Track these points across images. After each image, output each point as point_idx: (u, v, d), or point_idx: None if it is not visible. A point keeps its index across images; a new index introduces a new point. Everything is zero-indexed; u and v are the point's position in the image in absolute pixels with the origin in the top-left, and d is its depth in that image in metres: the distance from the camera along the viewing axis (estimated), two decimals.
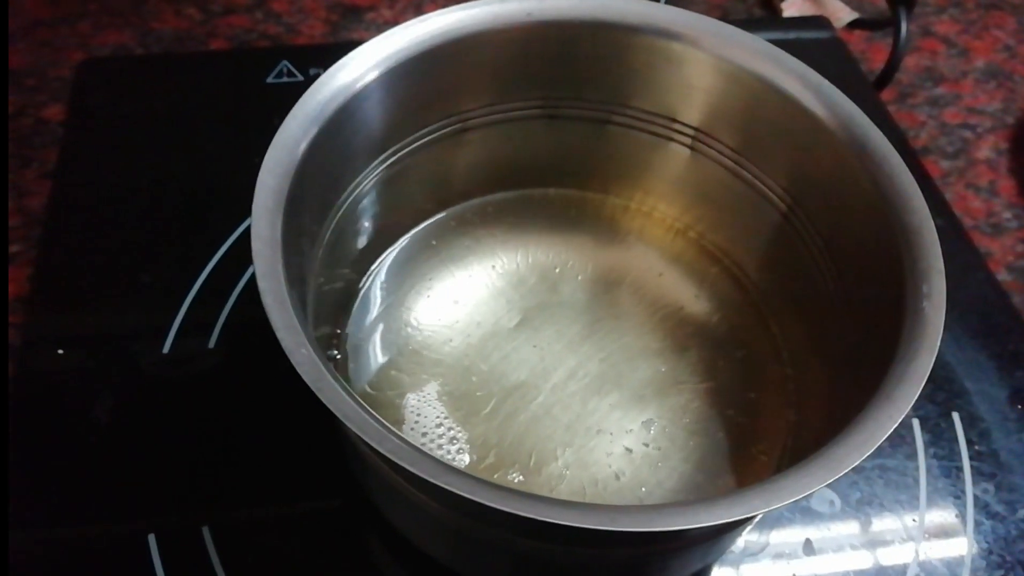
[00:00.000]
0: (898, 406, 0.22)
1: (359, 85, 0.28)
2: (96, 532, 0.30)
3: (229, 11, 0.56)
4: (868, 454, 0.20)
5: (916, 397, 0.22)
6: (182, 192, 0.40)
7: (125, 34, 0.54)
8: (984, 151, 0.55)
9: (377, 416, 0.21)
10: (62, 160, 0.42)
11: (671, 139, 0.34)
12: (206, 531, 0.30)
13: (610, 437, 0.32)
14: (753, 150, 0.32)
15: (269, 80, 0.44)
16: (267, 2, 0.58)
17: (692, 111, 0.33)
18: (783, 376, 0.33)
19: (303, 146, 0.26)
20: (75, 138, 0.42)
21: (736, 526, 0.27)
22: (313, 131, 0.27)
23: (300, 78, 0.44)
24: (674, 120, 0.34)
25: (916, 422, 0.35)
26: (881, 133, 0.28)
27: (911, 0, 0.55)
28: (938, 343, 0.23)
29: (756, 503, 0.20)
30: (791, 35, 0.50)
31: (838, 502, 0.33)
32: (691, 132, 0.34)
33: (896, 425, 0.21)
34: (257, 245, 0.23)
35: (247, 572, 0.29)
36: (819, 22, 0.50)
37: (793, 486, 0.20)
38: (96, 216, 0.39)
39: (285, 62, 0.45)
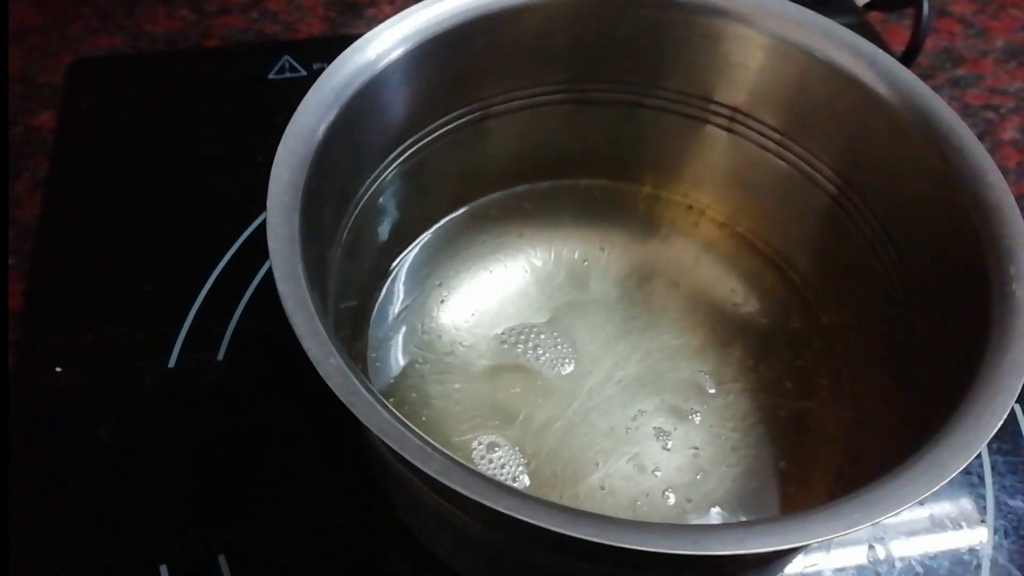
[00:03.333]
0: (1000, 400, 0.19)
1: (377, 68, 0.26)
2: (103, 563, 0.28)
3: (224, 11, 0.54)
4: (980, 450, 0.18)
5: (1020, 388, 0.20)
6: (183, 196, 0.37)
7: (117, 38, 0.52)
8: (1010, 132, 0.53)
9: (417, 430, 0.19)
10: (54, 167, 0.40)
11: (707, 121, 0.32)
12: (223, 560, 0.28)
13: (653, 444, 0.30)
14: (798, 129, 0.30)
15: (271, 76, 0.42)
16: (263, 1, 0.55)
17: (730, 90, 0.31)
18: (837, 373, 0.31)
19: (319, 135, 0.24)
20: (67, 144, 0.40)
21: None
22: (329, 118, 0.24)
23: (303, 73, 0.42)
24: (710, 100, 0.32)
25: None
26: (946, 104, 0.26)
27: None
28: None
29: (856, 516, 0.17)
30: None
31: None
32: (728, 112, 0.32)
33: (1003, 420, 0.19)
34: (274, 244, 0.21)
35: None
36: (840, 4, 0.48)
37: (893, 496, 0.18)
38: (92, 225, 0.37)
39: (287, 57, 0.43)
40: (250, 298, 0.34)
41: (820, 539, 0.18)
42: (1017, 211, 0.24)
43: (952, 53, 0.58)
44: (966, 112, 0.53)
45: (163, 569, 0.27)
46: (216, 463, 0.30)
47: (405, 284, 0.33)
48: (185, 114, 0.41)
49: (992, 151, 0.52)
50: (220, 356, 0.32)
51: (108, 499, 0.29)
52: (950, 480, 0.30)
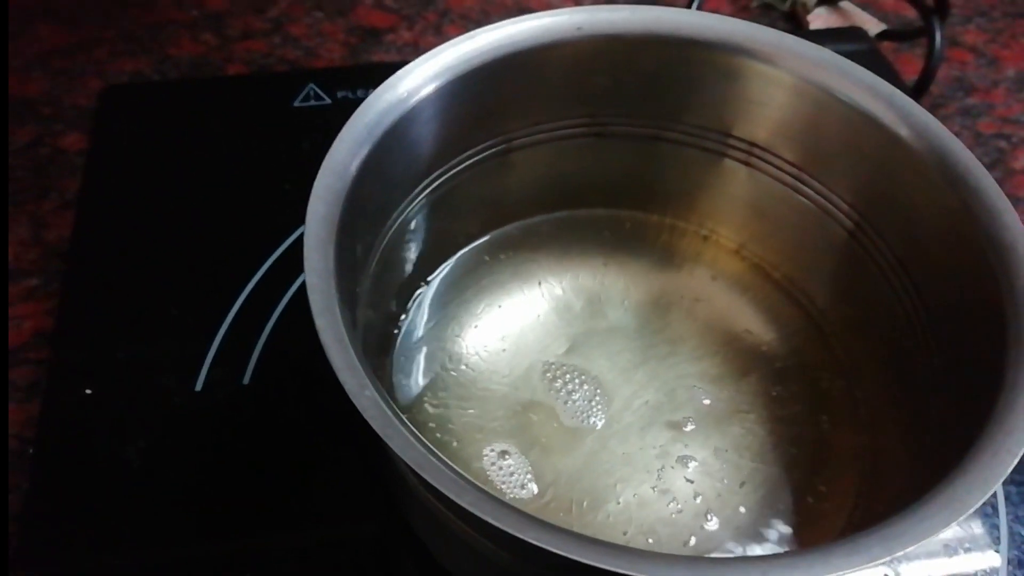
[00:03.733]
0: (1016, 438, 0.20)
1: (408, 105, 0.27)
2: None
3: (246, 36, 0.55)
4: (996, 487, 0.19)
5: None
6: (211, 221, 0.38)
7: (142, 61, 0.53)
8: (1021, 160, 0.54)
9: (451, 464, 0.19)
10: (84, 189, 0.40)
11: (725, 155, 0.33)
12: None
13: (671, 471, 0.30)
14: (816, 165, 0.31)
15: (296, 104, 0.43)
16: (285, 26, 0.56)
17: (748, 125, 0.32)
18: (853, 404, 0.31)
19: (352, 170, 0.25)
20: (97, 167, 0.40)
21: None
22: (362, 154, 0.25)
23: (328, 101, 0.43)
24: (728, 135, 0.32)
25: None
26: (962, 144, 0.26)
27: (944, 8, 0.54)
28: None
29: (876, 551, 0.18)
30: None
31: None
32: (746, 147, 0.32)
33: (1018, 458, 0.20)
34: (312, 279, 0.22)
35: None
36: (854, 33, 0.49)
37: (912, 531, 0.18)
38: (121, 247, 0.38)
39: (311, 85, 0.44)
40: (276, 322, 0.35)
41: (840, 572, 0.18)
42: None
43: (964, 82, 0.58)
44: (977, 141, 0.54)
45: None
46: (240, 483, 0.30)
47: (429, 310, 0.34)
48: (213, 140, 0.42)
49: (1003, 180, 0.53)
50: (247, 379, 0.33)
51: (134, 516, 0.30)
52: None
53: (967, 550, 0.31)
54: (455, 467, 0.19)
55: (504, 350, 0.33)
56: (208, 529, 0.29)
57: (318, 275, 0.22)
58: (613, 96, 0.32)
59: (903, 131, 0.27)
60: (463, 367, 0.32)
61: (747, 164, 0.33)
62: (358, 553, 0.29)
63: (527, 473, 0.30)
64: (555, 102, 0.31)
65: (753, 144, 0.32)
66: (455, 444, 0.30)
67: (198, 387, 0.32)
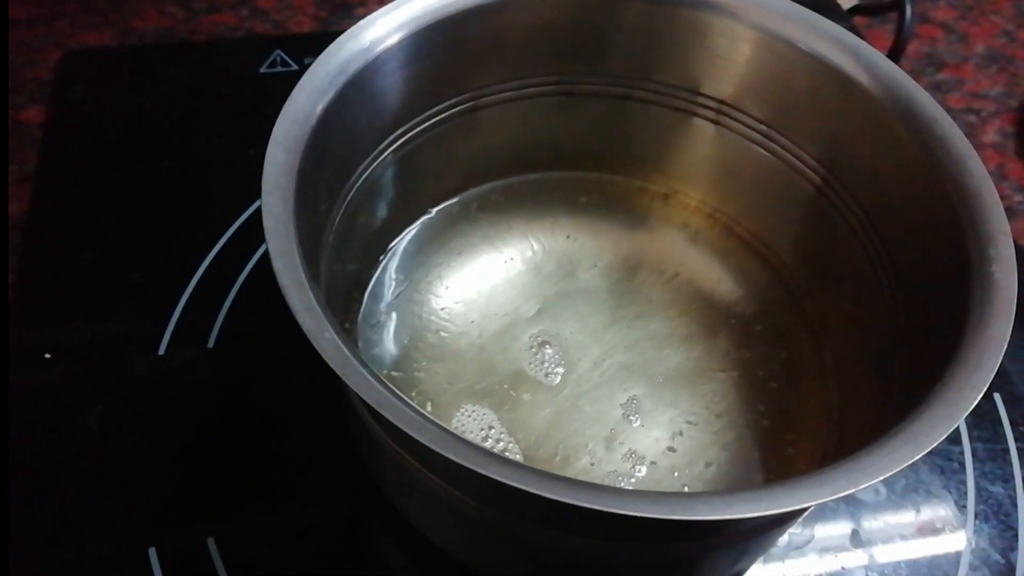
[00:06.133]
0: (980, 375, 0.20)
1: (372, 55, 0.26)
2: (94, 547, 0.28)
3: (213, 9, 0.54)
4: (959, 421, 0.19)
5: (999, 362, 0.20)
6: (173, 188, 0.38)
7: (105, 34, 0.52)
8: (990, 135, 0.54)
9: (411, 402, 0.19)
10: (43, 160, 0.39)
11: (694, 114, 0.33)
12: (211, 543, 0.28)
13: (642, 429, 0.30)
14: (783, 121, 0.30)
15: (262, 70, 0.42)
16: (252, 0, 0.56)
17: (717, 83, 0.31)
18: (820, 358, 0.31)
19: (314, 118, 0.24)
20: (56, 136, 0.40)
21: (798, 514, 0.25)
22: (324, 102, 0.25)
23: (295, 67, 0.42)
24: (697, 93, 0.32)
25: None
26: (928, 95, 0.26)
27: None
28: (1014, 307, 0.22)
29: (841, 483, 0.18)
30: None
31: (883, 490, 0.31)
32: (715, 105, 0.32)
33: (982, 393, 0.20)
34: (269, 223, 0.21)
35: None
36: (827, 7, 0.49)
37: (878, 464, 0.18)
38: (82, 216, 0.37)
39: (278, 51, 0.43)
40: (240, 288, 0.34)
41: (807, 504, 0.18)
42: (996, 197, 0.24)
43: (934, 58, 0.59)
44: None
45: (152, 552, 0.27)
46: (206, 450, 0.30)
47: (397, 271, 0.33)
48: (175, 107, 0.41)
49: None
50: (210, 344, 0.32)
51: (98, 484, 0.29)
52: (933, 466, 0.31)
53: (935, 507, 0.31)
54: (416, 407, 0.19)
55: (474, 311, 0.33)
56: (171, 498, 0.29)
57: (277, 220, 0.21)
58: (581, 54, 0.31)
59: (868, 82, 0.27)
60: (433, 329, 0.32)
61: (716, 122, 0.32)
62: (324, 516, 0.29)
63: (500, 432, 0.30)
64: (523, 59, 0.31)
65: (721, 102, 0.32)
66: (428, 406, 0.30)
67: (161, 351, 0.32)
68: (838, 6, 0.51)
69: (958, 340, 0.21)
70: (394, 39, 0.27)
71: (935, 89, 0.56)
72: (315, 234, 0.25)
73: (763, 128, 0.31)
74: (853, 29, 0.50)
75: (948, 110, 0.56)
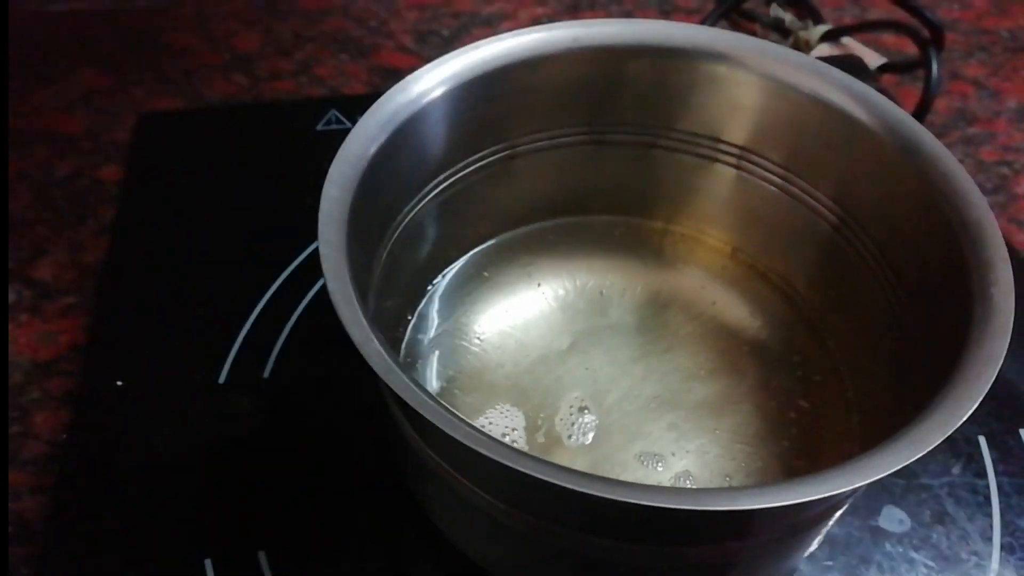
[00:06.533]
0: (978, 385, 0.21)
1: (418, 106, 0.29)
2: (155, 556, 0.30)
3: (275, 76, 0.59)
4: (957, 426, 0.20)
5: (994, 376, 0.22)
6: (237, 233, 0.41)
7: (177, 100, 0.56)
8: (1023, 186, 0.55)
9: (450, 408, 0.21)
10: (120, 212, 0.43)
11: (717, 160, 0.35)
12: (262, 556, 0.30)
13: (670, 459, 0.32)
14: (800, 165, 0.32)
15: (319, 128, 0.46)
16: (311, 68, 0.60)
17: (737, 130, 0.34)
18: (842, 388, 0.32)
19: (366, 161, 0.27)
20: (133, 191, 0.43)
21: (813, 525, 0.26)
22: (375, 147, 0.27)
23: (349, 125, 0.46)
24: (719, 140, 0.34)
25: (983, 439, 0.34)
26: (932, 135, 0.28)
27: (940, 39, 0.56)
28: (1010, 326, 0.23)
29: (850, 478, 0.19)
30: None
31: (908, 521, 0.32)
32: (736, 151, 0.34)
33: (977, 403, 0.21)
34: (325, 250, 0.24)
35: None
36: (851, 62, 0.51)
37: (882, 462, 0.20)
38: (154, 260, 0.40)
39: (333, 111, 0.47)
40: (294, 323, 0.37)
41: (823, 495, 0.19)
42: (996, 226, 0.26)
43: (965, 113, 0.60)
44: (980, 168, 0.56)
45: (207, 563, 0.29)
46: (258, 470, 0.32)
47: (437, 309, 0.36)
48: (239, 163, 0.45)
49: (1007, 204, 0.54)
50: (266, 374, 0.35)
51: (160, 499, 0.31)
52: (959, 499, 0.31)
53: (962, 539, 0.31)
54: (451, 409, 0.21)
55: (509, 346, 0.35)
56: (225, 513, 0.31)
57: (331, 247, 0.24)
58: (609, 105, 0.34)
59: (875, 125, 0.29)
60: (469, 360, 0.34)
61: (737, 167, 0.35)
62: (366, 534, 0.31)
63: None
64: (555, 111, 0.34)
65: (742, 148, 0.34)
66: None
67: (221, 380, 0.34)
68: (866, 66, 0.53)
69: (963, 353, 0.23)
70: (438, 92, 0.30)
71: (967, 143, 0.57)
72: (364, 266, 0.27)
73: (781, 172, 0.33)
74: (881, 88, 0.52)
75: (980, 163, 0.57)
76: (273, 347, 0.36)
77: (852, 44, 0.62)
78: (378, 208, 0.28)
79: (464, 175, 0.33)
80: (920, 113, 0.55)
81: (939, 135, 0.58)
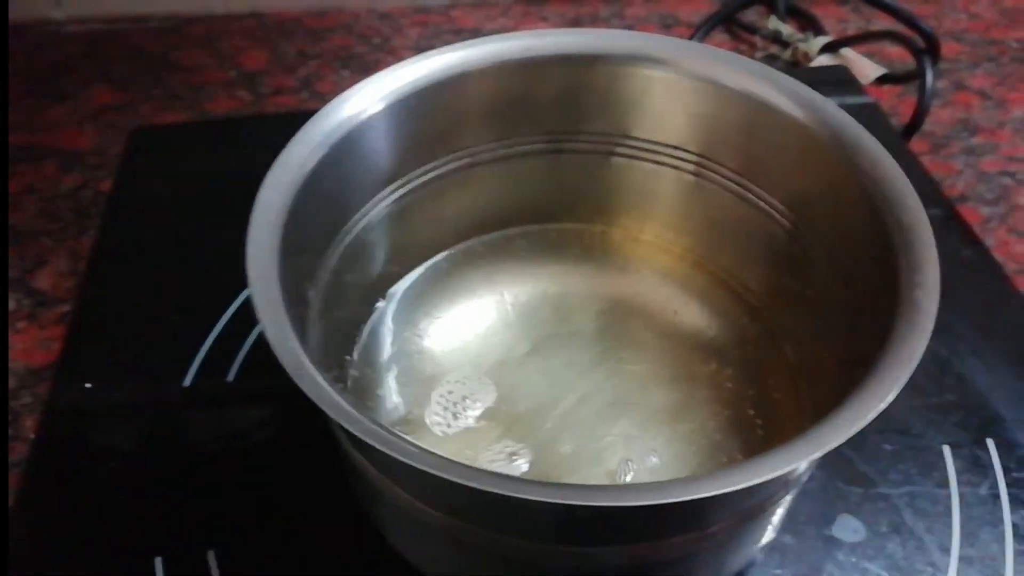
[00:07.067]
0: (888, 386, 0.21)
1: (363, 116, 0.30)
2: (107, 552, 0.31)
3: (278, 92, 0.60)
4: (860, 428, 0.20)
5: (906, 377, 0.21)
6: (214, 243, 0.42)
7: (182, 115, 0.58)
8: None
9: (364, 410, 0.21)
10: (105, 221, 0.45)
11: (675, 167, 0.35)
12: (211, 555, 0.30)
13: (626, 464, 0.32)
14: (755, 171, 0.32)
15: None
16: (313, 84, 0.61)
17: (693, 137, 0.34)
18: (798, 396, 0.32)
19: (307, 168, 0.28)
20: (119, 201, 0.45)
21: (755, 516, 0.25)
22: (317, 156, 0.28)
23: None
24: (676, 148, 0.34)
25: (947, 449, 0.33)
26: (875, 139, 0.28)
27: (934, 48, 0.55)
28: (930, 327, 0.23)
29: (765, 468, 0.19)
30: None
31: (863, 530, 0.31)
32: (694, 159, 0.34)
33: (885, 405, 0.21)
34: (252, 250, 0.24)
35: None
36: (840, 73, 0.51)
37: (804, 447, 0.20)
38: (133, 266, 0.41)
39: None
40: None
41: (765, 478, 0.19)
42: (928, 230, 0.25)
43: (968, 123, 0.59)
44: (981, 178, 0.55)
45: (158, 560, 0.30)
46: (215, 469, 0.33)
47: (394, 315, 0.36)
48: (230, 173, 0.46)
49: (1007, 215, 0.53)
50: (230, 378, 0.36)
51: (118, 497, 0.32)
52: (918, 509, 0.31)
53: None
54: (369, 416, 0.21)
55: (467, 352, 0.35)
56: (179, 512, 0.32)
57: (259, 247, 0.24)
58: (567, 115, 0.34)
59: (820, 131, 0.29)
60: (425, 366, 0.35)
61: (695, 175, 0.35)
62: (317, 538, 0.31)
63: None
64: (512, 120, 0.34)
65: (699, 155, 0.34)
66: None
67: (186, 383, 0.35)
68: (852, 77, 0.53)
69: (886, 350, 0.22)
70: (385, 103, 0.30)
71: (969, 153, 0.56)
72: (305, 274, 0.28)
73: (737, 179, 0.33)
74: (873, 106, 0.52)
75: (982, 174, 0.56)
76: (239, 353, 0.36)
77: (852, 56, 0.62)
78: (323, 214, 0.29)
79: (419, 183, 0.34)
80: (914, 123, 0.54)
81: (940, 146, 0.57)
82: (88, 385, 0.35)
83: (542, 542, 0.23)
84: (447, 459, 0.21)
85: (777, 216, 0.32)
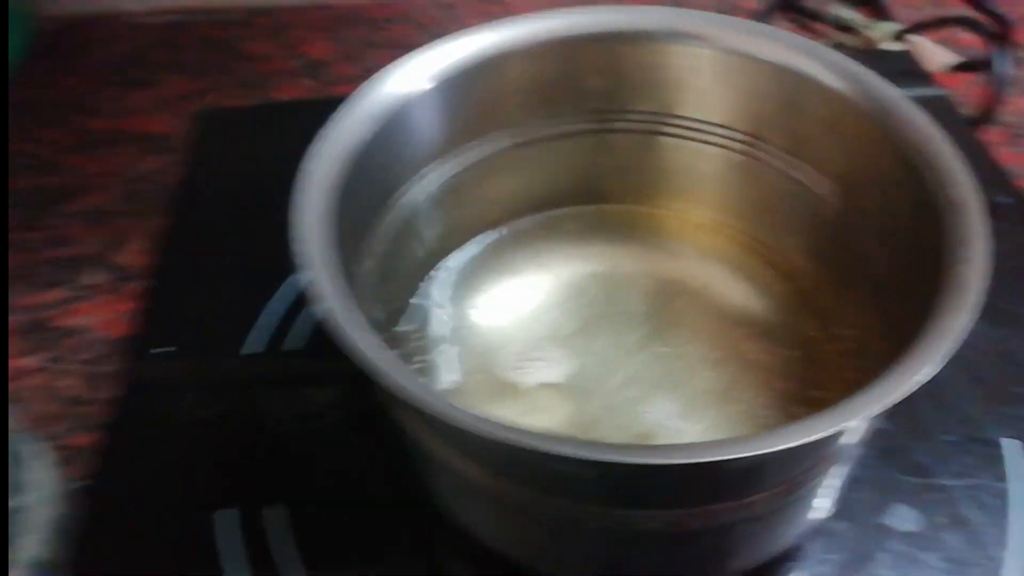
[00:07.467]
0: (924, 360, 0.21)
1: (410, 93, 0.30)
2: (174, 504, 0.32)
3: (341, 81, 0.62)
4: (886, 406, 0.20)
5: (946, 353, 0.21)
6: (279, 218, 0.43)
7: (250, 102, 0.60)
8: None
9: (413, 377, 0.22)
10: (178, 196, 0.47)
11: (723, 146, 0.35)
12: (264, 513, 0.32)
13: (670, 441, 0.32)
14: (802, 148, 0.32)
15: None
16: (375, 71, 0.63)
17: (740, 116, 0.33)
18: (845, 374, 0.32)
19: (356, 142, 0.29)
20: (191, 180, 0.47)
21: (801, 484, 0.25)
22: (368, 130, 0.29)
23: None
24: (724, 127, 0.34)
25: (1007, 442, 0.33)
26: (926, 116, 0.27)
27: (1006, 33, 0.53)
28: (972, 300, 0.22)
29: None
30: None
31: (917, 519, 0.31)
32: (741, 137, 0.34)
33: (922, 380, 0.21)
34: (298, 220, 0.25)
35: (288, 551, 0.30)
36: (904, 59, 0.50)
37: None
38: (204, 243, 0.44)
39: None
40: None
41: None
42: (978, 206, 0.25)
43: None
44: None
45: (218, 516, 0.32)
46: (273, 430, 0.34)
47: (442, 290, 0.37)
48: (292, 155, 0.48)
49: None
50: (285, 347, 0.37)
51: (182, 455, 0.34)
52: (974, 501, 0.30)
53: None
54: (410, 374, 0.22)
55: (516, 328, 0.36)
56: (239, 468, 0.33)
57: (307, 214, 0.25)
58: (613, 94, 0.34)
59: (870, 108, 0.29)
60: (474, 343, 0.35)
61: (743, 154, 0.34)
62: (379, 511, 0.32)
63: None
64: (558, 99, 0.34)
65: (747, 134, 0.34)
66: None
67: (247, 351, 0.37)
68: (916, 64, 0.51)
69: (925, 330, 0.22)
70: (432, 81, 0.31)
71: None
72: (354, 248, 0.29)
73: (785, 156, 0.33)
74: (944, 97, 0.50)
75: None
76: (292, 323, 0.38)
77: (923, 43, 0.60)
78: (370, 188, 0.30)
79: (467, 161, 0.34)
80: (986, 112, 0.53)
81: (1018, 136, 0.55)
82: (162, 352, 0.37)
83: (580, 502, 0.24)
84: (491, 419, 0.21)
85: (826, 194, 0.32)
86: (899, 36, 0.60)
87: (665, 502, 0.24)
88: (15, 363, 0.43)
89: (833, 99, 0.30)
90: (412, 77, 0.30)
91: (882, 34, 0.60)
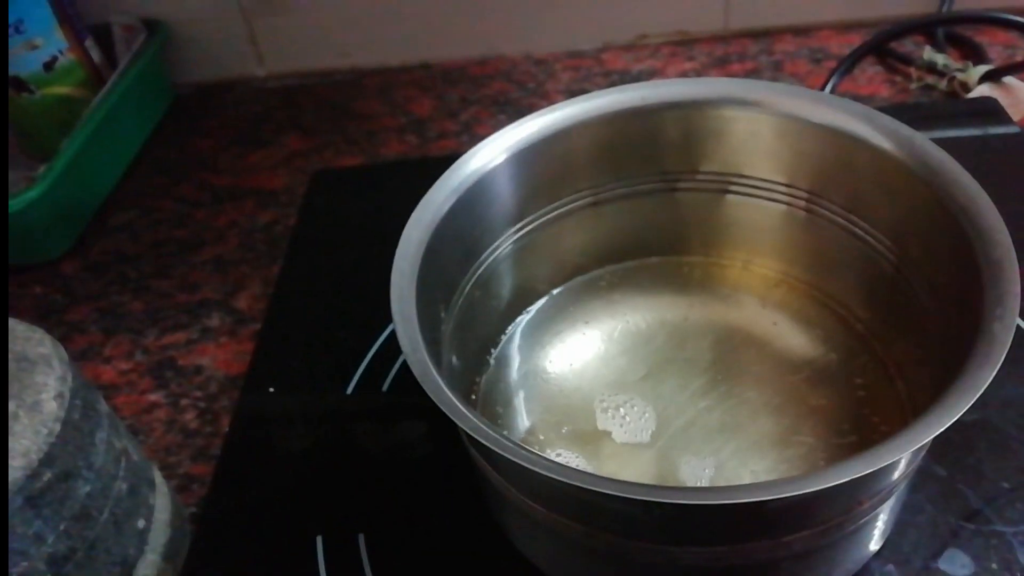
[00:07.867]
0: (949, 413, 0.22)
1: (491, 165, 0.34)
2: (277, 529, 0.36)
3: (441, 136, 0.67)
4: (915, 449, 0.21)
5: (969, 404, 0.23)
6: (382, 269, 0.48)
7: (359, 159, 0.66)
8: None
9: (486, 421, 0.25)
10: (291, 248, 0.52)
11: (787, 204, 0.37)
12: (361, 538, 0.35)
13: (731, 482, 0.34)
14: (859, 206, 0.34)
15: None
16: (472, 127, 0.67)
17: (802, 175, 0.36)
18: (904, 422, 0.33)
19: (444, 210, 0.32)
20: (303, 233, 0.52)
21: (839, 527, 0.27)
22: (452, 199, 0.33)
23: None
24: (786, 185, 0.36)
25: None
26: (970, 176, 0.29)
27: None
28: (1001, 356, 0.24)
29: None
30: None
31: (972, 565, 0.31)
32: (804, 195, 0.36)
33: (943, 428, 0.22)
34: (396, 278, 0.29)
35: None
36: (987, 104, 0.50)
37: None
38: (312, 291, 0.48)
39: None
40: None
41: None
42: (1015, 265, 0.26)
43: None
44: None
45: (319, 539, 0.36)
46: (368, 464, 0.38)
47: (521, 337, 0.40)
48: (395, 208, 0.52)
49: None
50: (384, 388, 0.41)
51: (286, 484, 0.38)
52: None
53: None
54: (498, 430, 0.25)
55: (586, 371, 0.38)
56: (337, 500, 0.37)
57: (401, 275, 0.29)
58: (682, 156, 0.37)
59: (919, 169, 0.30)
60: (548, 384, 0.38)
61: (806, 211, 0.36)
62: (449, 533, 0.35)
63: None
64: (631, 162, 0.37)
65: (809, 192, 0.36)
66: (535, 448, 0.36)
67: (348, 391, 0.41)
68: (1001, 109, 0.52)
69: (957, 382, 0.24)
70: (511, 152, 0.35)
71: None
72: (440, 303, 0.33)
73: (844, 213, 0.35)
74: (1018, 135, 0.50)
75: None
76: (392, 367, 0.42)
77: (1014, 84, 0.60)
78: (458, 249, 0.34)
79: (545, 220, 0.38)
80: None
81: None
82: (271, 390, 0.42)
83: (629, 537, 0.26)
84: (555, 462, 0.24)
85: (882, 249, 0.33)
86: (991, 77, 0.59)
87: (707, 539, 0.26)
88: (145, 398, 0.49)
89: (885, 160, 0.31)
90: (493, 152, 0.34)
91: (973, 76, 0.60)
